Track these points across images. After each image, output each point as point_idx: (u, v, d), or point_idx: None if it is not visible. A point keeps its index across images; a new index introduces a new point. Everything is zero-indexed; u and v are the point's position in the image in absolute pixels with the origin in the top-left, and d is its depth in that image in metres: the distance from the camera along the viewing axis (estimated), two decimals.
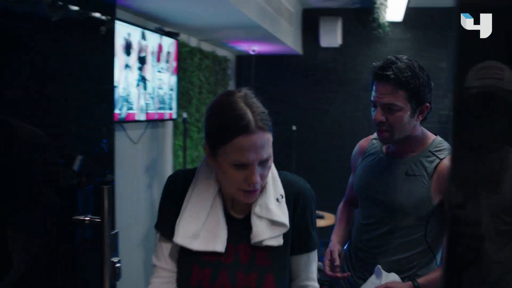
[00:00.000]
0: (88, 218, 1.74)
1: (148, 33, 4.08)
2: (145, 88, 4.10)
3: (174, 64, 4.60)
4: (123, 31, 3.69)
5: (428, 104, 1.93)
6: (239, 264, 1.49)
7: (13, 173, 1.86)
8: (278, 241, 1.48)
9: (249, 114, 1.38)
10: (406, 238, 1.99)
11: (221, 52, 6.24)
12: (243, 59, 6.90)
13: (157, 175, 4.55)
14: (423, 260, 1.99)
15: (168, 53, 4.47)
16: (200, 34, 5.22)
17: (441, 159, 1.95)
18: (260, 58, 6.50)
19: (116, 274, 1.80)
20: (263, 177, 1.44)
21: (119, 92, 3.68)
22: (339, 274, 2.01)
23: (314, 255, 1.59)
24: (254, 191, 1.44)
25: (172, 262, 1.56)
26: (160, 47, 4.30)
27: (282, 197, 1.51)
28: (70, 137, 2.13)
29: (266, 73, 6.77)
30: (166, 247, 1.56)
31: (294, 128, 6.19)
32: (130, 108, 3.87)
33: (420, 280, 1.93)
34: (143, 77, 4.05)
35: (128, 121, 3.90)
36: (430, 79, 1.93)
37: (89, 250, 1.90)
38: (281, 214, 1.48)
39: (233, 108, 1.40)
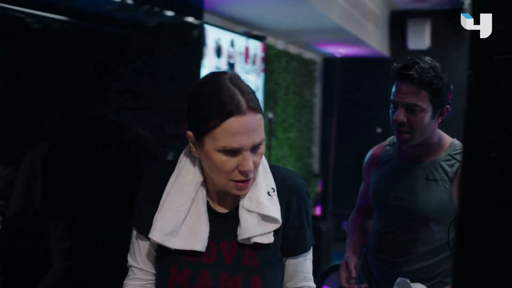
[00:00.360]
0: None
1: (236, 37, 4.29)
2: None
3: (260, 66, 4.78)
4: (213, 35, 3.91)
5: (448, 106, 1.89)
6: (223, 264, 1.34)
7: (123, 167, 2.10)
8: (269, 239, 1.33)
9: (239, 94, 1.24)
10: (430, 245, 1.94)
11: (308, 54, 6.37)
12: (329, 61, 6.99)
13: None
14: (448, 266, 1.95)
15: (255, 55, 4.66)
16: (287, 37, 5.38)
17: (461, 162, 1.86)
18: (346, 60, 6.56)
19: None
20: (256, 164, 1.29)
21: None
22: (356, 286, 1.93)
23: (310, 253, 1.46)
24: (247, 181, 1.29)
25: (149, 263, 1.42)
26: (247, 50, 4.50)
27: (274, 191, 1.36)
28: (165, 136, 2.35)
29: (352, 75, 6.82)
30: (143, 246, 1.40)
31: (379, 130, 6.20)
32: None
33: None
34: None
35: None
36: (450, 82, 1.89)
37: None
38: (273, 208, 1.33)
39: (221, 89, 1.25)
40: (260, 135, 1.26)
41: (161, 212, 1.33)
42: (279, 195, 1.36)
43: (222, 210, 1.38)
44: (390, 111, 1.91)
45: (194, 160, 1.37)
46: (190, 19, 2.44)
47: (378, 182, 2.05)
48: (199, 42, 2.49)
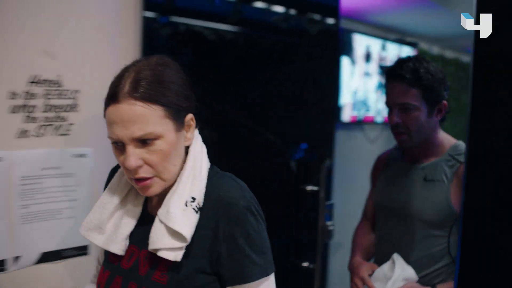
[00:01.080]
0: (310, 188, 2.27)
1: (387, 44, 4.52)
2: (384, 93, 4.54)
3: None
4: (363, 42, 4.19)
5: (445, 103, 1.81)
6: (136, 273, 1.20)
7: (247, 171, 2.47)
8: (175, 256, 1.13)
9: (127, 80, 1.12)
10: (427, 251, 1.80)
11: (466, 58, 6.32)
12: None
13: None
14: (450, 276, 1.78)
15: None
16: (442, 42, 5.45)
17: (461, 163, 1.76)
18: None
19: (328, 235, 2.32)
20: (152, 164, 1.14)
21: (358, 96, 4.19)
22: None
23: (261, 284, 1.17)
24: (143, 181, 1.15)
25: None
26: (398, 56, 4.70)
27: (193, 201, 1.16)
28: (306, 132, 2.68)
29: None
30: None
31: None
32: (368, 111, 4.34)
33: (441, 287, 1.77)
34: (381, 83, 4.50)
35: (366, 122, 4.38)
36: (446, 78, 1.82)
37: (311, 213, 2.44)
38: (182, 222, 1.13)
39: (119, 74, 1.16)
40: (143, 128, 1.11)
41: (93, 208, 1.28)
42: (207, 209, 1.17)
43: (155, 214, 1.21)
44: (388, 113, 1.86)
45: None
46: (327, 27, 2.72)
47: (380, 185, 1.99)
48: (336, 48, 2.76)
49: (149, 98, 1.11)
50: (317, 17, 2.66)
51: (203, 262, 1.16)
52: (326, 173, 2.24)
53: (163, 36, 2.02)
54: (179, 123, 1.17)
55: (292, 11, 2.56)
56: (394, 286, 1.73)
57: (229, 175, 1.25)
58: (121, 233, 1.23)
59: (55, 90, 1.58)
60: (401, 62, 1.82)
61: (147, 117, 1.10)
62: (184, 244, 1.13)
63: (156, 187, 1.17)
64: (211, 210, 1.16)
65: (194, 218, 1.14)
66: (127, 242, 1.24)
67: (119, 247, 1.23)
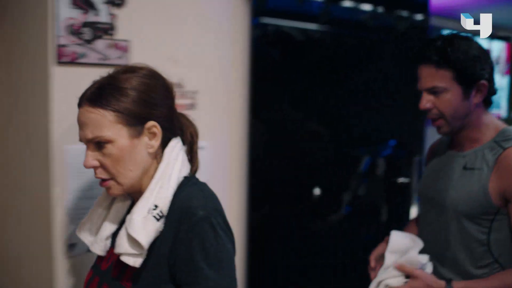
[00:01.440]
0: (401, 180, 2.38)
1: (479, 39, 4.49)
2: None
3: (505, 66, 4.89)
4: None
5: (484, 82, 1.60)
6: (109, 276, 1.24)
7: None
8: (134, 262, 1.15)
9: (94, 86, 1.19)
10: (464, 247, 1.63)
11: None
12: None
13: None
14: None
15: (499, 56, 4.79)
16: None
17: (505, 149, 1.57)
18: None
19: None
20: (105, 166, 1.18)
21: None
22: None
23: None
24: (104, 182, 1.20)
25: None
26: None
27: (155, 209, 1.16)
28: (396, 129, 2.74)
29: None
30: None
31: None
32: None
33: (459, 285, 1.56)
34: None
35: None
36: (487, 54, 1.64)
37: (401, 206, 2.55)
38: (140, 229, 1.13)
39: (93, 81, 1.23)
40: (93, 132, 1.16)
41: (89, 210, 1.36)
42: (171, 217, 1.17)
43: None
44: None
45: None
46: (417, 24, 2.76)
47: (425, 174, 1.90)
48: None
49: (100, 103, 1.15)
50: (406, 14, 2.70)
51: (165, 270, 1.16)
52: (416, 167, 2.35)
53: (255, 37, 2.13)
54: (136, 130, 1.18)
55: (380, 9, 2.61)
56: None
57: (200, 184, 1.25)
58: (101, 235, 1.28)
59: (178, 91, 1.81)
60: (429, 42, 1.64)
61: (98, 121, 1.15)
62: (141, 251, 1.15)
63: (114, 189, 1.21)
64: (174, 218, 1.16)
65: (153, 226, 1.15)
66: (107, 243, 1.28)
67: (98, 247, 1.28)
